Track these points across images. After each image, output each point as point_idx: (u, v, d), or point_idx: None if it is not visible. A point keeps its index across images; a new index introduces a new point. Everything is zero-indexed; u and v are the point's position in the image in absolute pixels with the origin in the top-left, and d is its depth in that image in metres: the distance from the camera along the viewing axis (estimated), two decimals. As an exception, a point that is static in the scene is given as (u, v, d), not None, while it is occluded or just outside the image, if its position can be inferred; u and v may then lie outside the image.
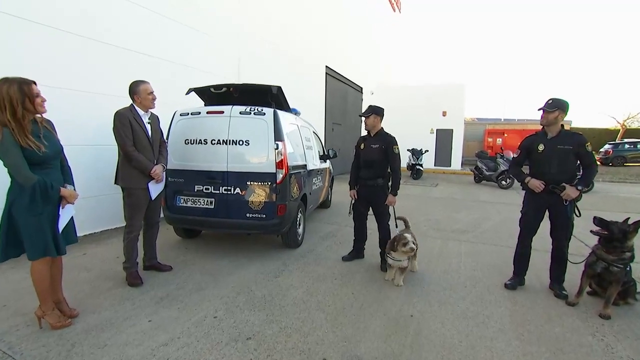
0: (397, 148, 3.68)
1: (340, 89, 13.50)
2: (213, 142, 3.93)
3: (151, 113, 3.22)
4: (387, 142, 3.63)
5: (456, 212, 6.93)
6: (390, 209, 3.73)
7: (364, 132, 3.93)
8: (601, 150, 20.02)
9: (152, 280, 3.31)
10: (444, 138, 16.55)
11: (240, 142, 3.88)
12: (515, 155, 3.25)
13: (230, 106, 3.99)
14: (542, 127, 3.05)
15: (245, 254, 4.14)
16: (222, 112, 3.97)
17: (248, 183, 3.84)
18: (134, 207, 3.11)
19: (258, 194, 3.85)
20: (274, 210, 3.82)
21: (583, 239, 4.40)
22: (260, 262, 3.91)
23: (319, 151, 5.98)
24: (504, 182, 10.43)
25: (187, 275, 3.48)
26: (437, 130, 16.59)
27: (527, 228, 3.16)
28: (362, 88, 15.82)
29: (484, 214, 6.79)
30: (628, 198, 8.87)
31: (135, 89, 3.04)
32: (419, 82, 21.09)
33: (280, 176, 3.82)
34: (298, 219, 4.36)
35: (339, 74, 13.19)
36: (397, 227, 3.59)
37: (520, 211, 3.26)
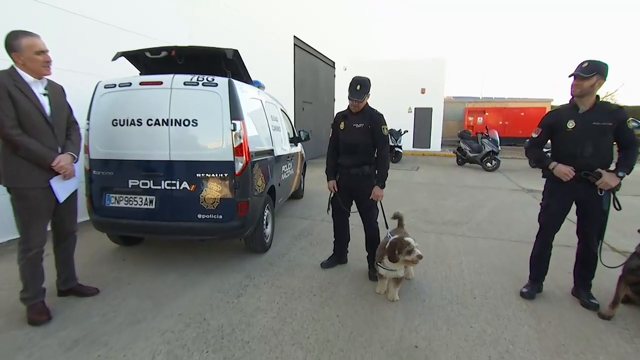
0: (387, 129, 3.07)
1: (310, 63, 12.69)
2: (150, 122, 3.14)
3: (48, 81, 2.38)
4: (374, 121, 3.01)
5: (443, 199, 6.58)
6: (379, 204, 3.14)
7: (340, 108, 3.27)
8: None
9: (66, 313, 2.55)
10: (422, 117, 16.28)
11: (186, 122, 3.12)
12: (534, 135, 2.74)
13: (172, 75, 3.18)
14: (571, 98, 2.54)
15: (200, 265, 3.43)
16: (160, 83, 3.16)
17: (198, 175, 3.12)
18: (30, 215, 2.32)
19: (212, 190, 3.13)
20: (233, 209, 3.14)
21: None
22: (218, 275, 3.23)
23: (288, 133, 5.28)
24: (489, 165, 10.25)
25: (119, 301, 2.75)
26: (415, 109, 16.27)
27: (550, 224, 2.69)
28: (334, 63, 15.07)
29: (473, 200, 6.48)
30: None
31: (13, 43, 2.18)
32: (396, 57, 20.58)
33: (239, 165, 3.12)
34: (265, 218, 3.70)
35: (309, 46, 12.35)
36: (387, 228, 3.01)
37: (540, 204, 2.79)
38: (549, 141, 2.71)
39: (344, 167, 3.16)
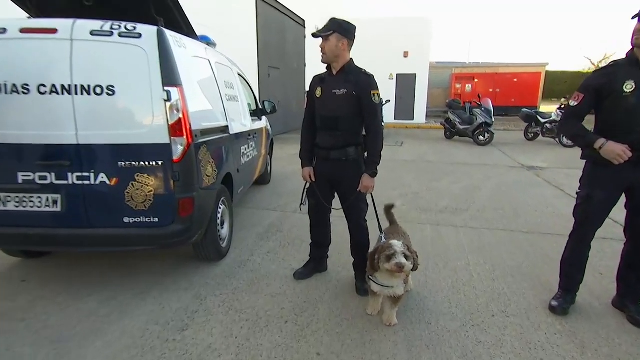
0: (378, 95, 2.49)
1: (277, 21, 11.75)
2: (43, 89, 2.41)
3: None
4: (360, 85, 2.43)
5: (436, 180, 6.22)
6: (369, 197, 2.61)
7: (318, 71, 2.66)
8: None
9: None
10: (405, 85, 15.81)
11: (98, 90, 2.41)
12: (573, 103, 2.26)
13: (72, 20, 2.43)
14: (630, 50, 2.05)
15: (131, 284, 2.81)
16: (54, 32, 2.40)
17: (121, 165, 2.46)
18: None
19: (142, 184, 2.49)
20: (172, 209, 2.53)
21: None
22: (157, 297, 2.64)
23: (249, 104, 4.61)
24: (481, 138, 10.01)
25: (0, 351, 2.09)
26: (397, 75, 15.75)
27: (591, 221, 2.28)
28: (304, 21, 14.14)
29: (470, 181, 6.16)
30: None
31: None
32: (375, 15, 19.74)
33: (178, 149, 2.48)
34: (219, 216, 3.10)
35: (276, 0, 11.38)
36: (381, 232, 2.50)
37: (577, 193, 2.35)
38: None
39: (322, 150, 2.58)
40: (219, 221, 3.12)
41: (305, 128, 2.68)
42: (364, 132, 2.53)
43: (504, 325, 2.33)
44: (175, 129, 2.45)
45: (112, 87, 2.41)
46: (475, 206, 4.78)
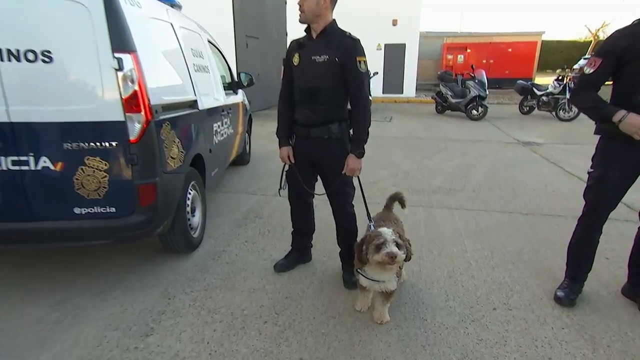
0: (365, 63, 2.25)
1: (254, -15, 11.16)
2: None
3: None
4: (344, 51, 2.19)
5: (427, 157, 6.08)
6: (355, 180, 2.40)
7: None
8: (575, 66, 20.16)
9: None
10: (394, 56, 15.47)
11: (31, 56, 2.10)
12: (589, 70, 2.06)
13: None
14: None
15: (88, 283, 2.58)
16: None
17: (67, 147, 2.18)
18: None
19: (93, 168, 2.23)
20: (132, 198, 2.29)
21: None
22: (116, 298, 2.42)
23: (223, 77, 4.30)
24: (474, 112, 9.86)
25: None
26: (385, 45, 15.36)
27: (605, 202, 2.13)
28: (285, -13, 13.53)
29: (463, 159, 6.04)
30: None
31: None
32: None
33: (136, 128, 2.21)
34: (189, 202, 2.86)
35: (252, -40, 10.78)
36: (370, 220, 2.31)
37: (589, 173, 2.19)
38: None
39: (301, 127, 2.35)
40: (188, 208, 2.88)
41: (282, 102, 2.42)
42: (349, 106, 2.29)
43: (507, 319, 2.20)
44: (131, 103, 2.17)
45: (49, 52, 2.09)
46: (470, 186, 4.64)
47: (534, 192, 4.39)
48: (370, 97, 2.37)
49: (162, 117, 2.41)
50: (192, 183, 2.95)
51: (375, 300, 2.22)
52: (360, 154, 2.26)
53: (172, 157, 2.53)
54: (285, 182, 2.58)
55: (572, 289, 2.32)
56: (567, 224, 3.45)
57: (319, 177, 2.52)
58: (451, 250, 3.04)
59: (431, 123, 9.74)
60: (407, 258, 2.03)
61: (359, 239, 2.21)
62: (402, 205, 2.62)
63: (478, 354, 1.94)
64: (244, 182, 4.73)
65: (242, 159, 5.35)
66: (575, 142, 7.04)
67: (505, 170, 5.33)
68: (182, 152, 2.68)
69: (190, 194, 2.90)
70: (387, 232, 1.98)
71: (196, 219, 3.06)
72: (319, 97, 2.25)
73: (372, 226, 2.25)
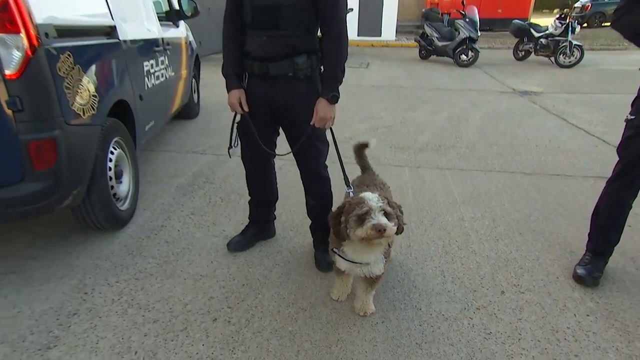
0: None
1: None
2: None
3: None
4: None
5: (412, 109, 5.88)
6: (328, 134, 2.11)
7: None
8: (576, 5, 19.92)
9: None
10: (371, -8, 14.76)
11: None
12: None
13: None
14: None
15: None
16: None
17: None
18: None
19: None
20: (18, 159, 1.85)
21: None
22: (7, 297, 2.04)
23: (158, 2, 3.72)
24: (463, 57, 9.58)
25: None
26: (361, -22, 14.61)
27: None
28: None
29: (453, 110, 5.88)
30: (626, 72, 8.84)
31: None
32: None
33: (14, 57, 1.75)
34: (111, 165, 2.44)
35: None
36: (349, 186, 2.00)
37: (628, 121, 1.93)
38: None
39: (256, 61, 1.94)
40: (111, 173, 2.45)
41: (228, 27, 1.99)
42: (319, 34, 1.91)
43: (519, 305, 2.00)
44: (2, 19, 1.67)
45: None
46: (463, 142, 4.45)
47: (536, 148, 4.23)
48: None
49: (58, 45, 1.92)
50: (116, 139, 2.51)
51: (356, 286, 1.97)
52: (334, 98, 1.90)
53: (79, 104, 2.06)
54: (237, 138, 2.19)
55: (595, 265, 2.13)
56: (578, 185, 3.32)
57: (281, 131, 2.15)
58: (445, 219, 2.82)
59: (414, 70, 9.45)
60: (399, 230, 1.72)
61: (334, 208, 1.88)
62: (364, 147, 2.30)
63: (488, 352, 1.72)
64: (192, 140, 4.32)
65: (188, 111, 4.89)
66: (577, 91, 6.94)
67: (501, 123, 5.15)
68: (95, 96, 2.21)
69: (112, 153, 2.47)
70: (371, 197, 1.65)
71: (124, 187, 2.65)
72: (280, 18, 1.84)
73: (351, 193, 1.93)
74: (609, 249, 2.16)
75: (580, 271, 2.13)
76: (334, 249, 1.85)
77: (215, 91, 6.25)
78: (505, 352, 1.72)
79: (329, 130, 2.04)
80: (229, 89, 2.02)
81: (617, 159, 2.02)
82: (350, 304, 1.98)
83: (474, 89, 7.34)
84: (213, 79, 6.95)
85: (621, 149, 1.98)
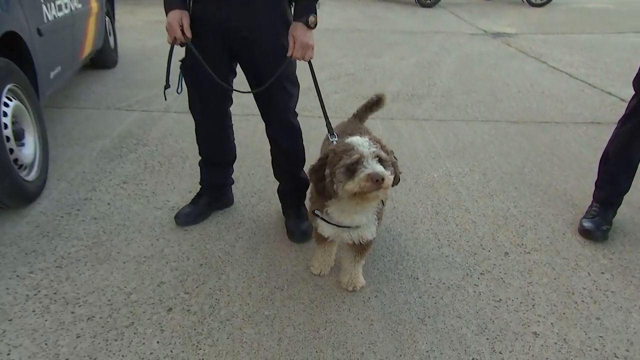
0: None
1: None
2: None
3: None
4: None
5: (375, 55, 5.84)
6: (301, 71, 1.96)
7: None
8: None
9: None
10: None
11: None
12: None
13: None
14: None
15: None
16: None
17: None
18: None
19: None
20: None
21: None
22: None
23: None
24: (427, -5, 9.55)
25: None
26: None
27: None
28: None
29: (422, 54, 5.91)
30: (601, 10, 9.15)
31: None
32: None
33: None
34: (6, 121, 2.15)
35: None
36: (332, 133, 1.87)
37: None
38: None
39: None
40: (8, 132, 2.13)
41: None
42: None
43: (526, 268, 1.99)
44: None
45: None
46: (438, 89, 4.46)
47: (519, 94, 4.30)
48: None
49: None
50: (9, 87, 2.18)
51: (342, 257, 1.87)
52: (313, 23, 1.71)
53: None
54: (181, 81, 1.94)
55: (603, 217, 2.16)
56: (569, 133, 3.40)
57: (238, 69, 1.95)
58: (431, 176, 2.79)
59: (372, 11, 9.36)
60: (395, 181, 1.60)
61: (314, 161, 1.71)
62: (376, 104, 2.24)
63: (501, 322, 1.68)
64: (112, 94, 4.02)
65: (104, 59, 4.55)
66: (553, 32, 7.16)
67: (476, 68, 5.22)
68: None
69: (7, 106, 2.15)
70: (361, 142, 1.50)
71: (28, 151, 2.35)
72: None
73: (334, 142, 1.78)
74: (619, 199, 2.19)
75: (587, 224, 2.15)
76: (316, 212, 1.71)
77: (135, 36, 5.94)
78: (520, 321, 1.68)
79: (308, 65, 1.86)
80: (168, 8, 1.76)
81: (617, 99, 2.04)
82: (335, 279, 1.89)
83: (441, 31, 7.38)
84: (131, 21, 6.55)
85: (637, 81, 1.96)
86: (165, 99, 2.07)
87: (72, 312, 1.67)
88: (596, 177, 2.26)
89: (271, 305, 1.74)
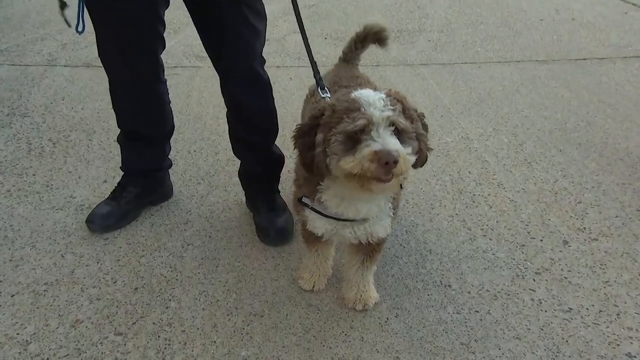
0: None
1: None
2: None
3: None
4: None
5: None
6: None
7: None
8: None
9: None
10: None
11: None
12: None
13: None
14: None
15: None
16: None
17: None
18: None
19: None
20: None
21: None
22: None
23: None
24: None
25: None
26: None
27: None
28: None
29: None
30: None
31: None
32: None
33: None
34: None
35: None
36: (319, 77, 1.87)
37: None
38: None
39: None
40: None
41: None
42: None
43: (597, 260, 2.03)
44: None
45: None
46: (433, 23, 4.55)
47: (542, 23, 4.40)
48: None
49: None
50: None
51: (344, 263, 1.88)
52: None
53: None
54: (81, 15, 1.82)
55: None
56: (619, 72, 3.53)
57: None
58: (443, 141, 2.85)
59: None
60: (420, 162, 1.49)
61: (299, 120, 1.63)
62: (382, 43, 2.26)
63: (579, 342, 1.65)
64: None
65: None
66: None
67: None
68: None
69: None
70: (373, 99, 1.39)
71: None
72: None
73: (327, 98, 1.71)
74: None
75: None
76: (305, 199, 1.63)
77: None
78: (604, 338, 1.69)
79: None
80: None
81: None
82: (336, 295, 1.90)
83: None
84: None
85: None
86: (78, 31, 1.87)
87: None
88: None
89: (249, 341, 1.68)
